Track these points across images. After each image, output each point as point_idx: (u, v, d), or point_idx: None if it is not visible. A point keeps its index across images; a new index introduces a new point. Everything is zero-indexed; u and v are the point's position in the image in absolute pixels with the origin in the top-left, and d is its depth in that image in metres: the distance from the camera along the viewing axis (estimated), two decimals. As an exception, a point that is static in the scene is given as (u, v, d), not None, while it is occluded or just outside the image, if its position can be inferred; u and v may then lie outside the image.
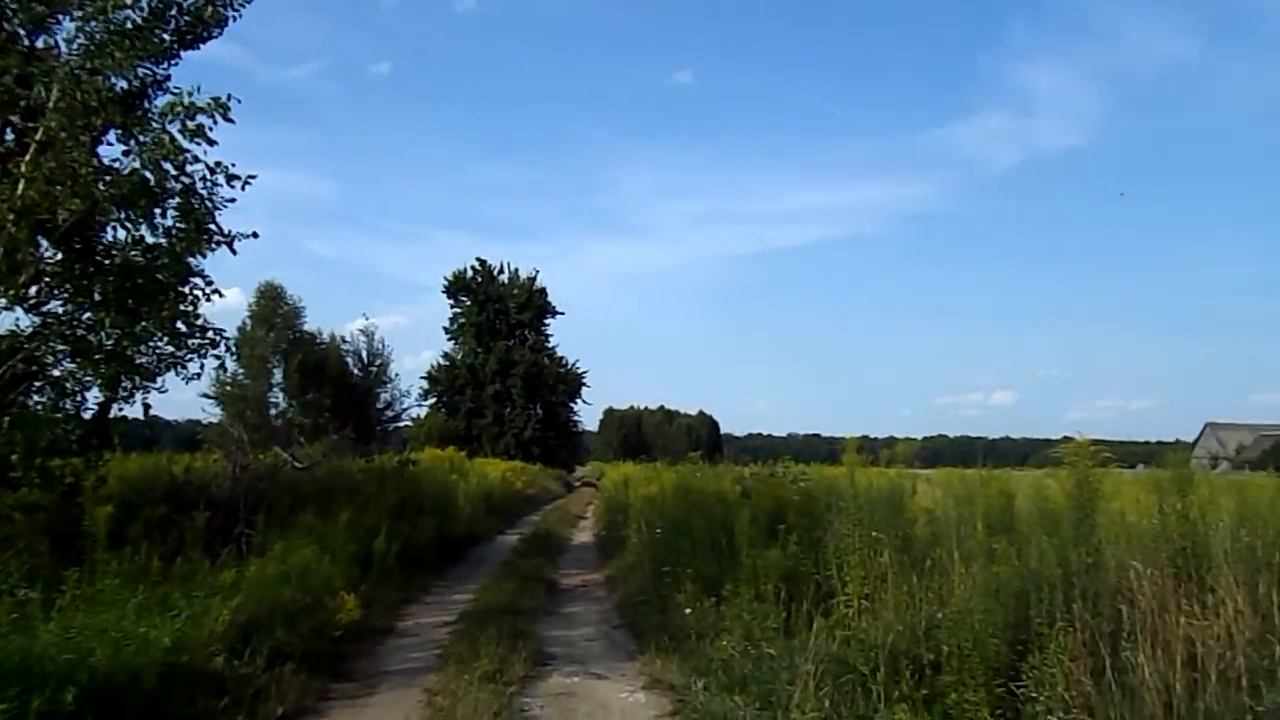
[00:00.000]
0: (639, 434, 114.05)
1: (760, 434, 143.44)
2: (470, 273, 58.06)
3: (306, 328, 31.93)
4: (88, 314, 8.42)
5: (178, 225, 8.69)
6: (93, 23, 7.95)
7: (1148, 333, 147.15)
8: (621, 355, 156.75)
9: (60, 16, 8.26)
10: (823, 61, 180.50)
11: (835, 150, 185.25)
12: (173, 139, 8.17)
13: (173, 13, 8.83)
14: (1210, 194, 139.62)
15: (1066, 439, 7.05)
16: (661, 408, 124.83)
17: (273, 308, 31.18)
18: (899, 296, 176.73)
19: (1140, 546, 6.29)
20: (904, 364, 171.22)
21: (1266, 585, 5.67)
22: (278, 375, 30.56)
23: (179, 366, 9.27)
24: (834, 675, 6.03)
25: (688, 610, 8.84)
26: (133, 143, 8.35)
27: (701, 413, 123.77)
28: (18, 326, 8.12)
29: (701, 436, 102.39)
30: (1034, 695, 5.11)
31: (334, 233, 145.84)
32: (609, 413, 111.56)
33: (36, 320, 8.26)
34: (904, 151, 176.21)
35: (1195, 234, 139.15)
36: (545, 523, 24.00)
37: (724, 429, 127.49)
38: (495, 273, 58.18)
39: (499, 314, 56.92)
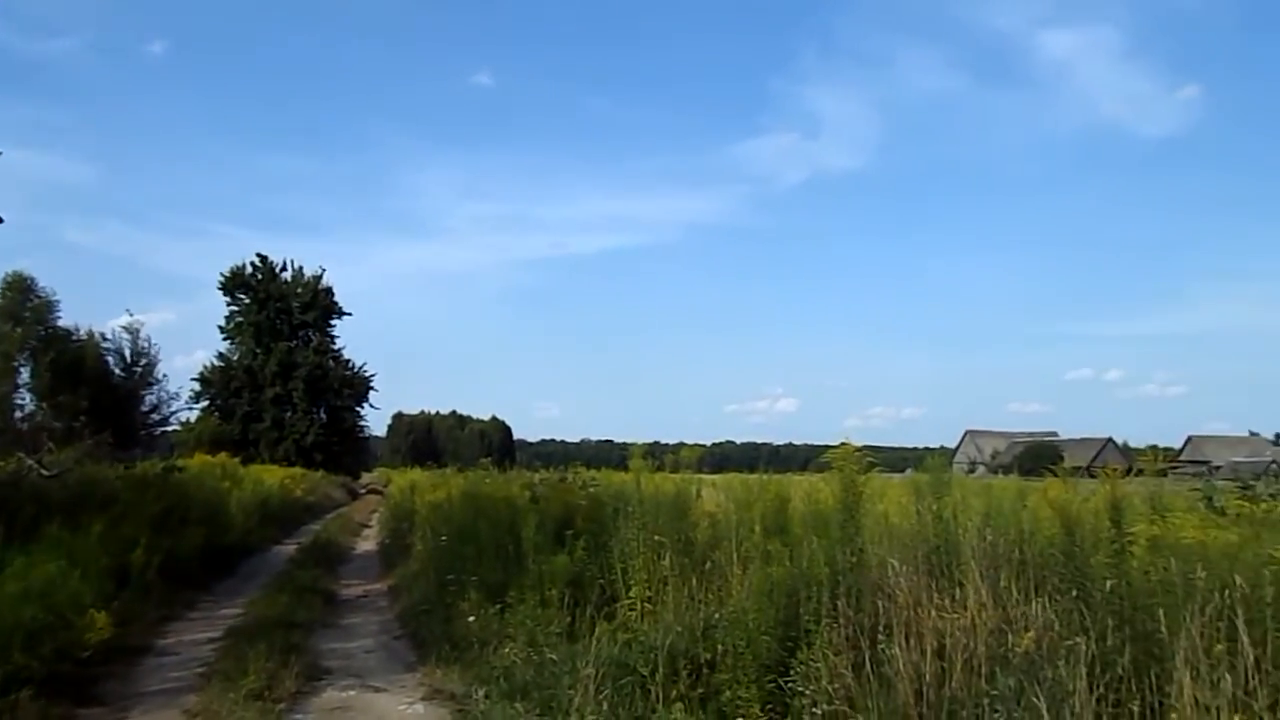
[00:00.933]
0: (429, 439, 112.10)
1: (553, 440, 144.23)
2: (250, 269, 55.10)
3: (61, 323, 29.40)
4: None
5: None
6: None
7: (918, 345, 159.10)
8: (414, 359, 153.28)
9: None
10: (622, 73, 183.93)
11: (634, 160, 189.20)
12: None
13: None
14: (975, 218, 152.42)
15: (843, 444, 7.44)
16: (453, 413, 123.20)
17: (21, 301, 28.50)
18: (691, 305, 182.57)
19: (900, 546, 6.72)
20: (695, 372, 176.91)
21: (1006, 579, 6.18)
22: (25, 375, 27.88)
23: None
24: (614, 678, 6.09)
25: (471, 618, 8.69)
26: None
27: (494, 418, 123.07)
28: None
29: (494, 442, 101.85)
30: (801, 690, 5.35)
31: (97, 221, 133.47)
32: (398, 417, 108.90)
33: None
34: (700, 165, 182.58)
35: (962, 254, 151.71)
36: (326, 531, 23.04)
37: (517, 434, 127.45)
38: (278, 270, 55.49)
39: (281, 313, 54.31)
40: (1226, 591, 4.55)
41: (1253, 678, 4.26)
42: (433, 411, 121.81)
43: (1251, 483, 11.37)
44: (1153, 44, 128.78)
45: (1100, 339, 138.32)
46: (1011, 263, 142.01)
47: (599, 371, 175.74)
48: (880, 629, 5.80)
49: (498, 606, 8.49)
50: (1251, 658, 4.28)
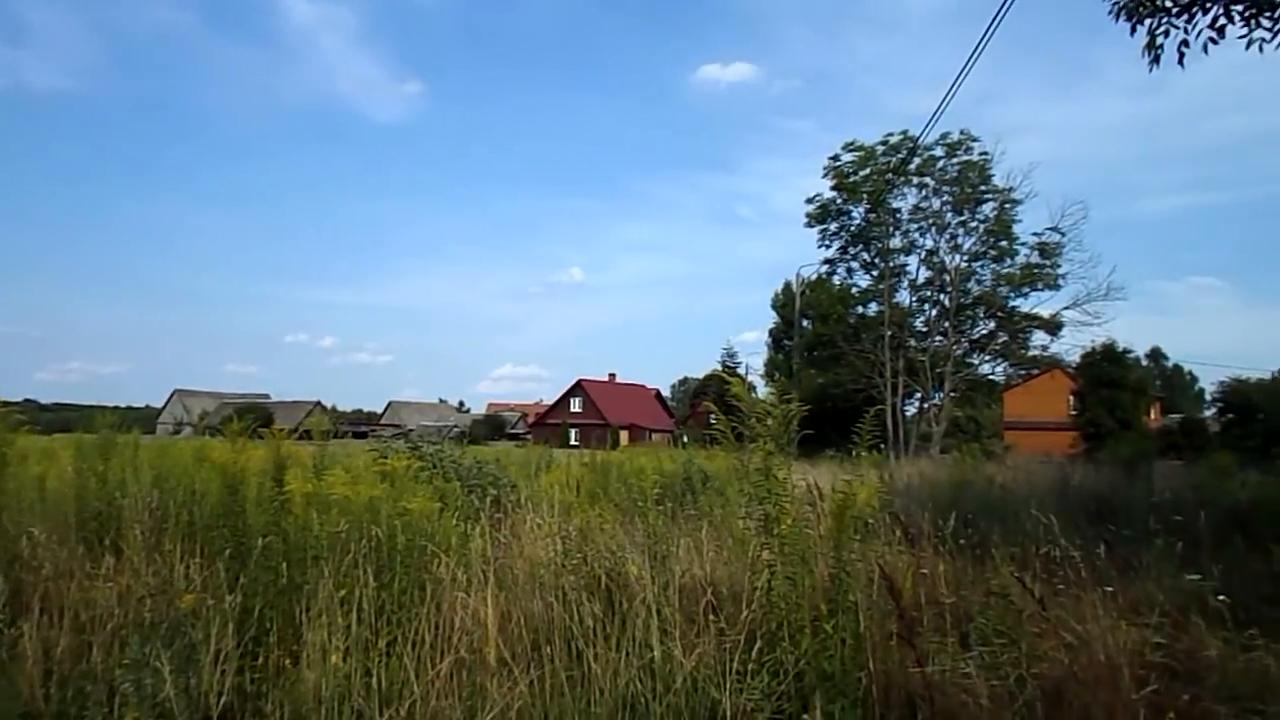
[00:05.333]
0: None
1: None
2: None
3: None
4: None
5: None
6: None
7: (122, 297, 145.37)
8: None
9: None
10: None
11: None
12: None
13: None
14: (195, 169, 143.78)
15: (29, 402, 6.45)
16: None
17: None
18: None
19: (56, 512, 6.11)
20: None
21: (172, 541, 6.02)
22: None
23: None
24: None
25: None
26: None
27: None
28: None
29: None
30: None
31: None
32: None
33: None
34: None
35: (180, 203, 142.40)
36: None
37: None
38: None
39: None
40: (364, 541, 5.06)
41: (377, 620, 4.80)
42: None
43: (419, 443, 12.96)
44: (385, 33, 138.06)
45: (318, 305, 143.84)
46: (233, 220, 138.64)
47: None
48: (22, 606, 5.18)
49: None
50: (377, 601, 4.82)
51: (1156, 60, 7.26)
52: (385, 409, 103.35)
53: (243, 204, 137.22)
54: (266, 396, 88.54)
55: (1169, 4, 7.15)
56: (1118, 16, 7.46)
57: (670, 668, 4.16)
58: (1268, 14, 6.85)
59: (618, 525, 6.23)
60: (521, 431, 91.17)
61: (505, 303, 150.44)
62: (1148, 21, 7.25)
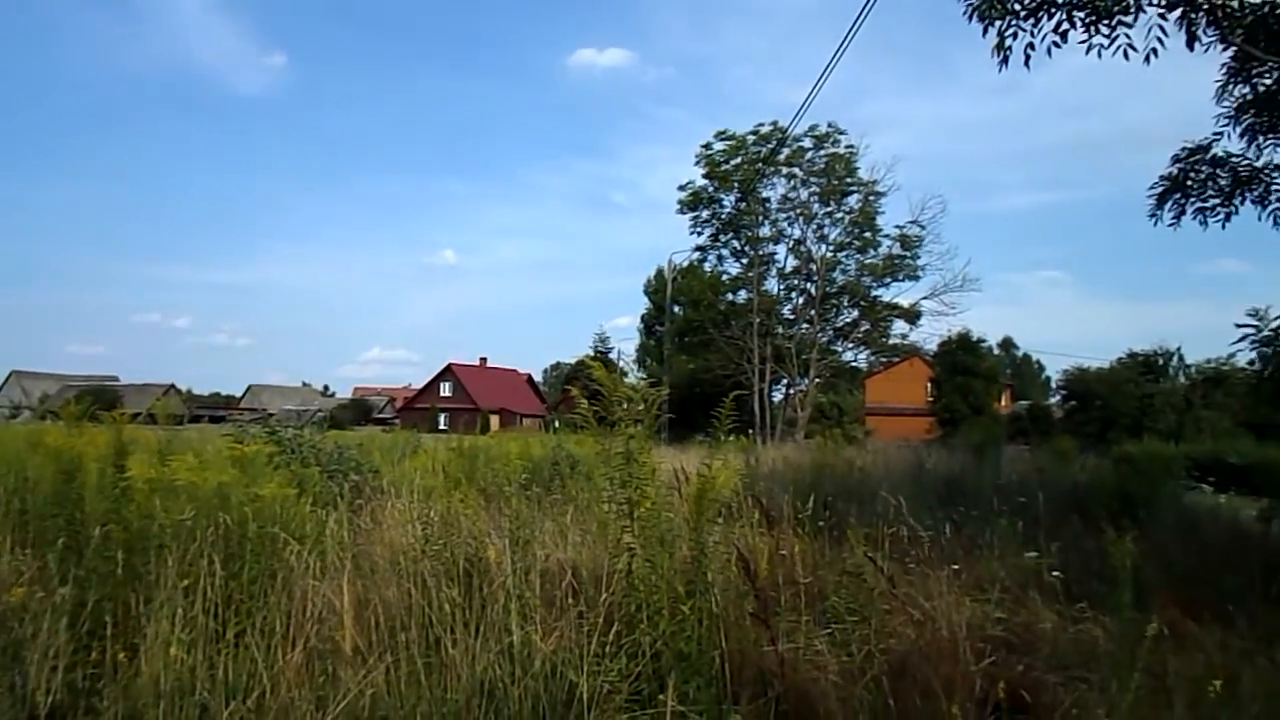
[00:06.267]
0: None
1: None
2: None
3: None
4: None
5: None
6: None
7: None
8: None
9: None
10: None
11: None
12: None
13: None
14: (34, 138, 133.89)
15: None
16: None
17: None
18: None
19: None
20: None
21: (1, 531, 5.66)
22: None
23: None
24: None
25: None
26: None
27: None
28: None
29: None
30: None
31: None
32: None
33: None
34: None
35: (11, 176, 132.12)
36: None
37: None
38: None
39: None
40: (212, 529, 4.85)
41: (225, 610, 4.61)
42: None
43: (276, 428, 12.51)
44: (248, 1, 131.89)
45: (172, 284, 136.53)
46: (77, 192, 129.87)
47: None
48: None
49: None
50: (225, 591, 4.63)
51: (1005, 61, 7.63)
52: (245, 393, 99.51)
53: (86, 175, 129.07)
54: (115, 379, 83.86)
55: (1017, 7, 7.52)
56: (970, 18, 7.80)
57: (529, 651, 4.14)
58: (1106, 21, 7.28)
59: (481, 510, 6.18)
60: (389, 416, 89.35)
61: (374, 284, 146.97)
62: (998, 24, 7.61)
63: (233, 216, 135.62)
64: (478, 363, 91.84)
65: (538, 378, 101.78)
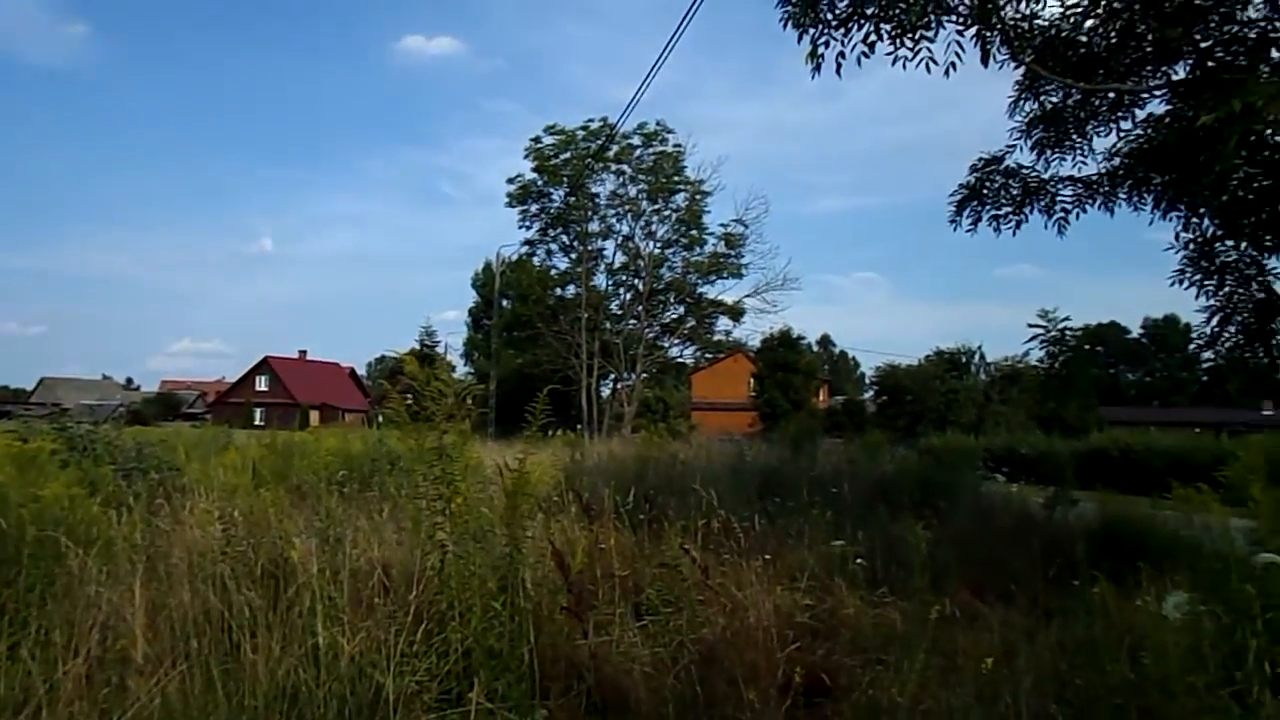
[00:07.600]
0: None
1: None
2: None
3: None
4: None
5: None
6: None
7: None
8: None
9: None
10: None
11: None
12: None
13: None
14: None
15: None
16: None
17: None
18: None
19: None
20: None
21: None
22: None
23: None
24: None
25: None
26: None
27: None
28: None
29: None
30: None
31: None
32: None
33: None
34: None
35: None
36: None
37: None
38: None
39: None
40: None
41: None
42: None
43: (67, 424, 11.61)
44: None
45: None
46: None
47: None
48: None
49: None
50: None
51: (818, 69, 7.92)
52: (37, 386, 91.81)
53: None
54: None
55: (829, 17, 7.83)
56: (785, 25, 8.07)
57: (335, 653, 4.00)
58: (910, 35, 7.68)
59: (289, 508, 5.93)
60: (200, 411, 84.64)
61: (186, 272, 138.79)
62: (811, 32, 7.89)
63: (26, 196, 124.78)
64: (297, 356, 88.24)
65: (362, 371, 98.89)
